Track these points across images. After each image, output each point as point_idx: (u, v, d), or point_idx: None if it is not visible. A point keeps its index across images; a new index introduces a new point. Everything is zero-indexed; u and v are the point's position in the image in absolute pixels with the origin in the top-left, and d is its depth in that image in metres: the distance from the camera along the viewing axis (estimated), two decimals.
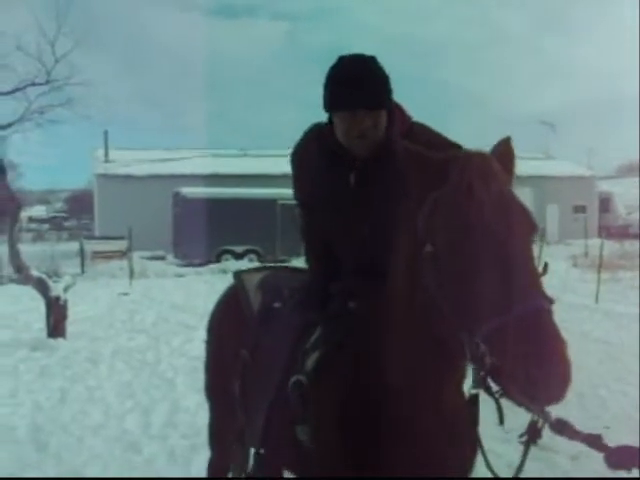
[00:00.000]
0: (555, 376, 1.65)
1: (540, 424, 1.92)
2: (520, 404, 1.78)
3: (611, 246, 21.50)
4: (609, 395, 6.88)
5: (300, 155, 2.65)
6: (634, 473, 1.94)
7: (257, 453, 2.70)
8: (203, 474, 3.58)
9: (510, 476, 2.06)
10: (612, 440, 2.02)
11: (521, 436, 1.95)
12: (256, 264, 20.64)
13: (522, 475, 1.99)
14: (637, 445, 1.97)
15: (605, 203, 39.54)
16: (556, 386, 1.66)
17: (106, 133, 34.46)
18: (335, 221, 2.54)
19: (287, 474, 2.73)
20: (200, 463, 3.62)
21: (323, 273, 2.65)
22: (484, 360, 1.77)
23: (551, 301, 1.77)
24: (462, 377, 2.12)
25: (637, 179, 47.21)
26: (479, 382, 1.87)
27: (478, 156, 1.98)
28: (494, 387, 1.84)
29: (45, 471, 4.82)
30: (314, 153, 2.54)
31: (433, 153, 2.00)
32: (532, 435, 1.94)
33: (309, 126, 2.63)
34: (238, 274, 3.27)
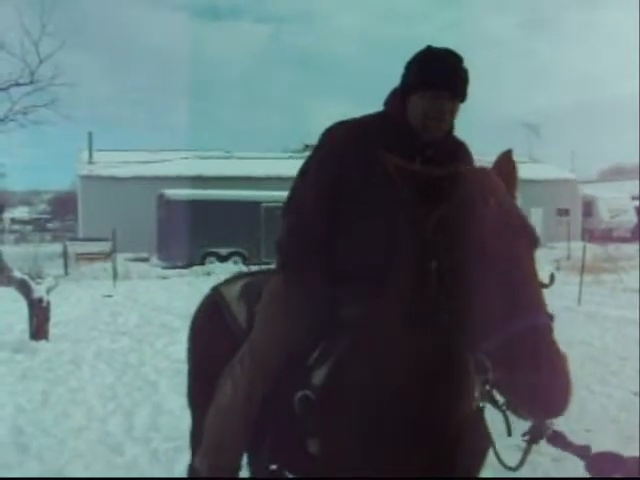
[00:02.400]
0: (555, 391, 1.72)
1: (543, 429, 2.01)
2: (524, 417, 1.84)
3: (594, 249, 21.62)
4: (591, 397, 6.90)
5: (342, 141, 2.49)
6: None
7: (266, 468, 2.70)
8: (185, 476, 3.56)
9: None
10: (593, 442, 2.05)
11: (524, 435, 2.04)
12: (241, 266, 20.63)
13: (504, 476, 2.05)
14: (616, 451, 2.02)
15: (588, 207, 39.77)
16: (556, 401, 1.73)
17: (90, 134, 34.43)
18: (370, 213, 2.41)
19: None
20: (183, 465, 3.60)
21: (320, 278, 2.53)
22: (488, 374, 1.82)
23: (551, 317, 1.83)
24: (470, 388, 2.16)
25: (621, 183, 47.54)
26: (484, 395, 1.94)
27: (479, 173, 2.03)
28: (500, 400, 1.90)
29: (27, 472, 4.78)
30: (361, 140, 2.44)
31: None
32: (534, 435, 2.03)
33: (336, 122, 2.56)
34: (215, 288, 3.22)
